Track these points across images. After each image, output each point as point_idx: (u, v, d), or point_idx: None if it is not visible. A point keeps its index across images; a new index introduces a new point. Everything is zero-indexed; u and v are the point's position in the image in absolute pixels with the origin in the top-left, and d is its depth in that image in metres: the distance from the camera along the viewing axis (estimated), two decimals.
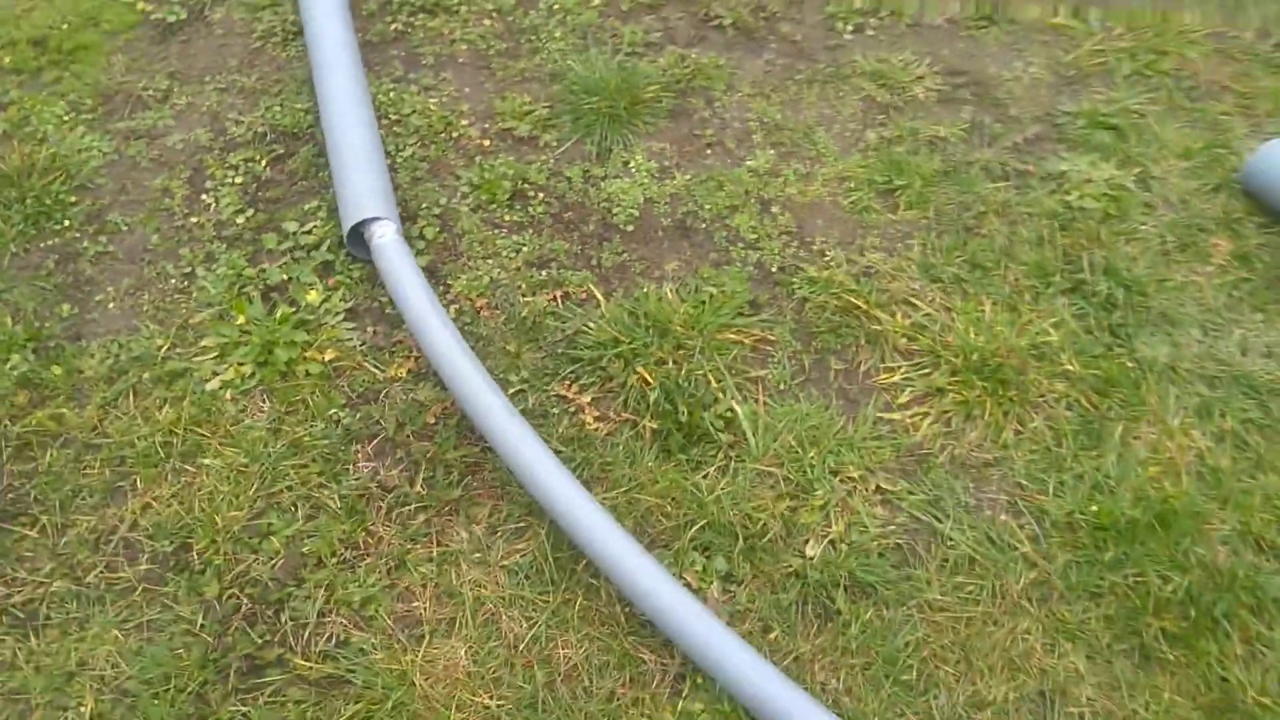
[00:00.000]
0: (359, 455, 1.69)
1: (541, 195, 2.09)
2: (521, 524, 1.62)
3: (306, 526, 1.60)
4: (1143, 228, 2.08)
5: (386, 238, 1.84)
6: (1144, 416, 1.77)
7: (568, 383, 1.80)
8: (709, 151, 2.19)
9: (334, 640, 1.48)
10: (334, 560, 1.56)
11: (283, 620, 1.50)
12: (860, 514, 1.65)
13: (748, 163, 2.16)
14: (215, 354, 1.80)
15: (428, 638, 1.48)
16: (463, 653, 1.47)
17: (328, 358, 1.80)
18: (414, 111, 2.22)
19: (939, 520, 1.66)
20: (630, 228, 2.05)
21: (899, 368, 1.87)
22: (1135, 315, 1.91)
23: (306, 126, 2.19)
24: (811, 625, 1.53)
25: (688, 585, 1.53)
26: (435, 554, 1.58)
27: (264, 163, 2.12)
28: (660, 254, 2.01)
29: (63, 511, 1.61)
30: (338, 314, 1.87)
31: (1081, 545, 1.61)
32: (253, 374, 1.77)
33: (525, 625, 1.50)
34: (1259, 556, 1.60)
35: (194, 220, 2.03)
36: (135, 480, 1.64)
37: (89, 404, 1.73)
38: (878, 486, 1.70)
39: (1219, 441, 1.74)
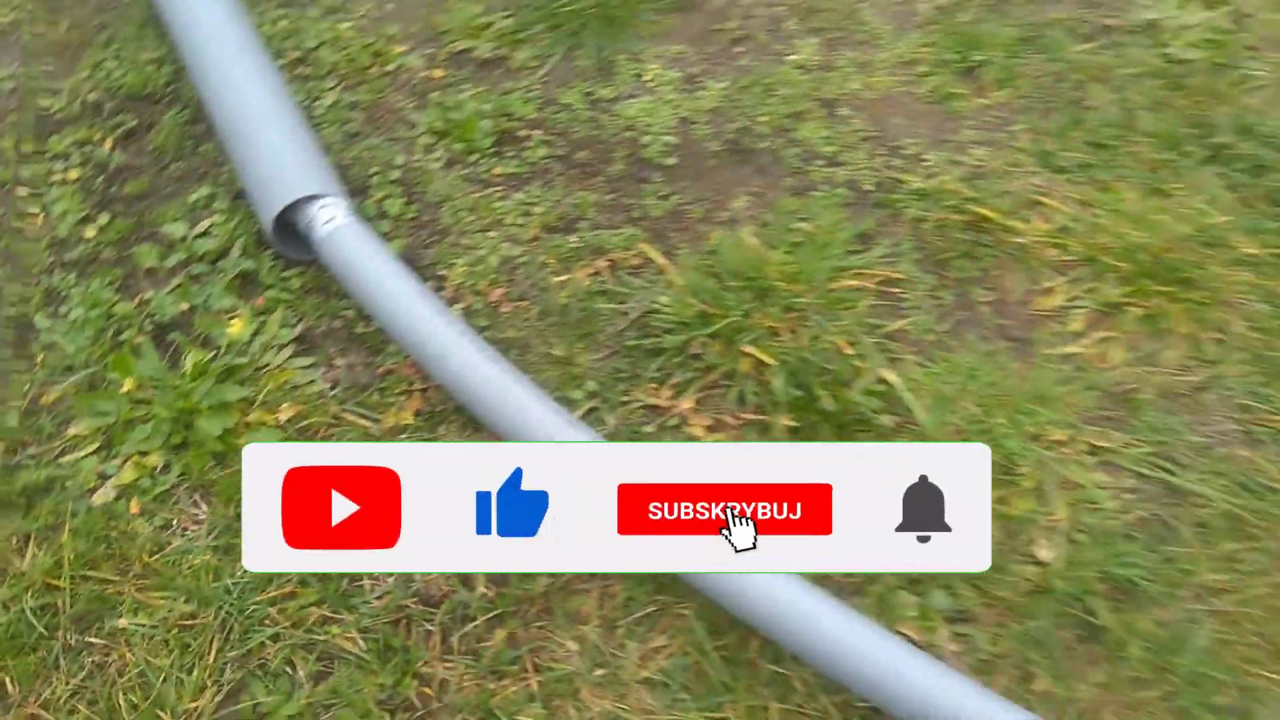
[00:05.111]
0: None
1: (537, 133, 1.50)
2: (653, 606, 1.07)
3: (319, 692, 0.98)
4: (1256, 73, 1.72)
5: (336, 221, 1.22)
6: None
7: (654, 385, 1.26)
8: (738, 49, 1.66)
9: None
10: None
11: None
12: (1085, 487, 1.21)
13: (790, 57, 1.64)
14: (95, 445, 1.13)
15: None
16: None
17: (285, 417, 1.16)
18: (322, 43, 1.57)
19: (1172, 473, 1.25)
20: (670, 160, 1.50)
21: (1056, 286, 1.43)
22: None
23: (164, 84, 1.50)
24: (1079, 655, 1.08)
25: (909, 640, 1.05)
26: (536, 687, 1.01)
27: (109, 143, 1.42)
28: (720, 188, 1.48)
29: None
30: (282, 347, 1.23)
31: None
32: (167, 465, 1.11)
33: None
34: None
35: (2, 246, 1.32)
36: (2, 683, 0.97)
37: None
38: (1090, 446, 1.26)
39: None
